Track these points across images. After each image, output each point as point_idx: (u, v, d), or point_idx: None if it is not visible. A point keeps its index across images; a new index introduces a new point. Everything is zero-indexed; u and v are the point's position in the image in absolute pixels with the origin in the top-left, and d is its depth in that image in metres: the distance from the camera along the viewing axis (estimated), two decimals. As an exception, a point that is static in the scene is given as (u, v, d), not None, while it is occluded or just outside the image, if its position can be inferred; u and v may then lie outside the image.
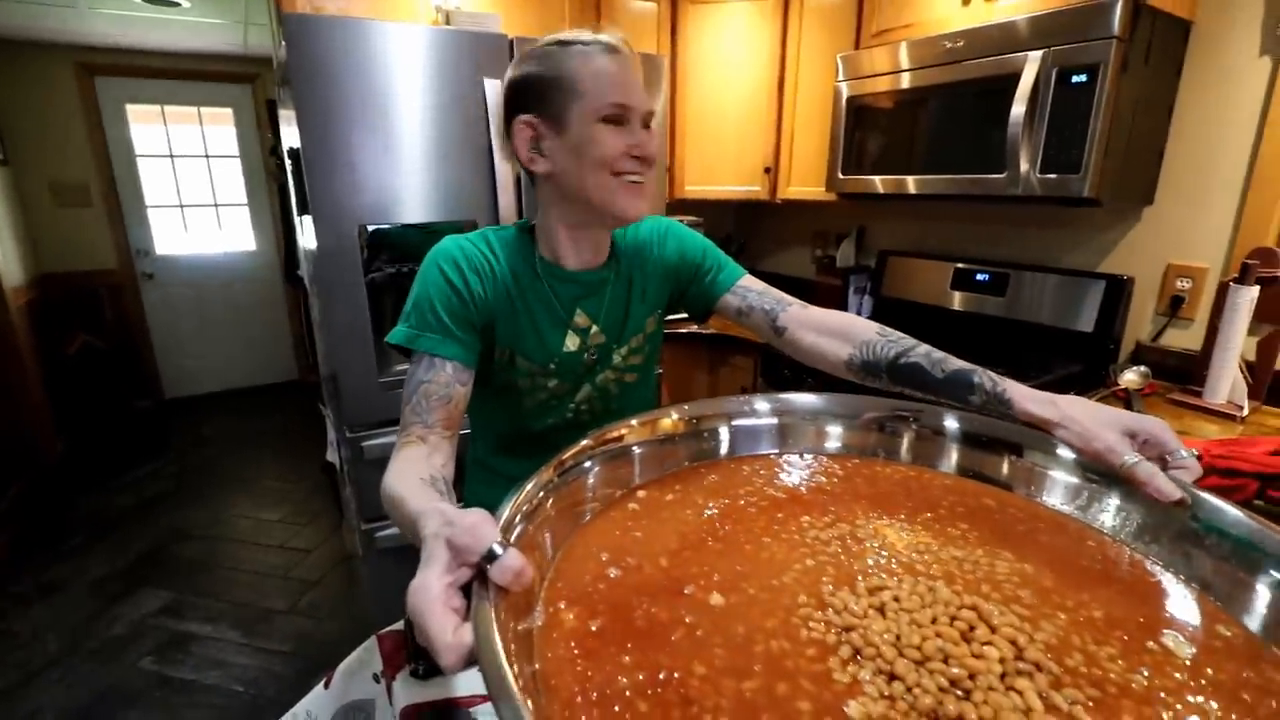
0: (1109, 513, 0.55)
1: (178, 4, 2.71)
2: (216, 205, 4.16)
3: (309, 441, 3.38)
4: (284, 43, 1.32)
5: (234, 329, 4.31)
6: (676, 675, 0.38)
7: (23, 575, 2.33)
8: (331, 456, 2.31)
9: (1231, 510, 0.50)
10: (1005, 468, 0.62)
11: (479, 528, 0.39)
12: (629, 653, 0.40)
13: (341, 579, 2.28)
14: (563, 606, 0.44)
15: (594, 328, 0.87)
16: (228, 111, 4.00)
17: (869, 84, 1.81)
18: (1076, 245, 1.77)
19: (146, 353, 4.07)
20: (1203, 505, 0.51)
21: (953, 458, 0.65)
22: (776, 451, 0.68)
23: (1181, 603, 0.46)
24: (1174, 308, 1.60)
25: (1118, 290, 1.63)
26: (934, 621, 0.41)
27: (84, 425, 3.55)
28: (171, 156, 3.97)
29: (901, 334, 0.78)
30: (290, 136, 1.45)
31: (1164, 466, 0.54)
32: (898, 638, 0.40)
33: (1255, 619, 0.44)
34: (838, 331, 0.82)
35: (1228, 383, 1.43)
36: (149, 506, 2.86)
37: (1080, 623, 0.43)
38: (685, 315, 1.00)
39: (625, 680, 0.38)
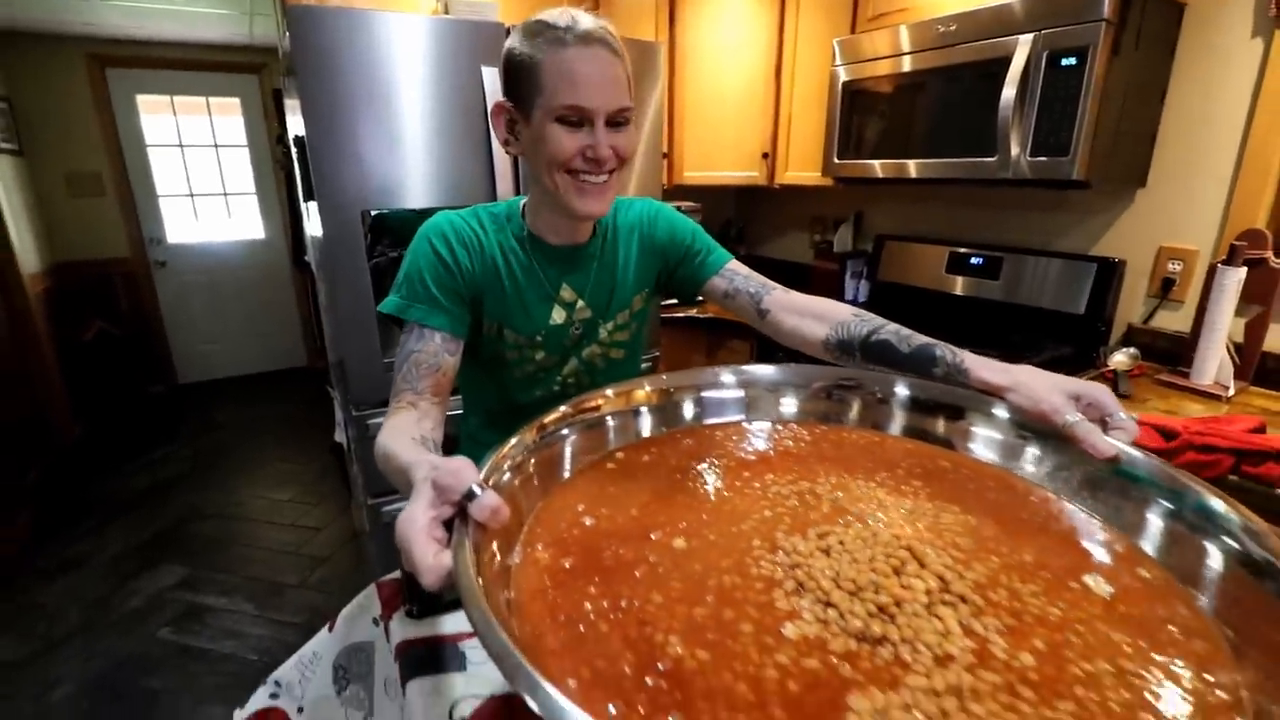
0: (1050, 470, 0.59)
1: (186, -6, 2.75)
2: (226, 194, 4.22)
3: (318, 425, 3.45)
4: (288, 34, 1.36)
5: (244, 316, 4.38)
6: (636, 604, 0.43)
7: (45, 552, 2.42)
8: (339, 437, 2.37)
9: (1156, 464, 0.53)
10: (958, 432, 0.66)
11: (462, 471, 0.43)
12: (595, 585, 0.45)
13: (350, 556, 2.35)
14: (539, 548, 0.49)
15: (580, 302, 0.89)
16: (235, 101, 4.05)
17: (864, 68, 1.83)
18: (1071, 228, 1.79)
19: (160, 339, 4.15)
20: (1133, 461, 0.55)
21: (901, 421, 0.69)
22: (748, 419, 0.72)
23: (1108, 549, 0.50)
24: (1165, 290, 1.62)
25: (1109, 273, 1.65)
26: (872, 560, 0.45)
27: (101, 409, 3.65)
28: (181, 146, 4.02)
29: (874, 315, 0.82)
30: (295, 125, 1.50)
31: (1105, 428, 0.58)
32: (838, 574, 0.44)
33: (1173, 561, 0.48)
34: (816, 314, 0.86)
35: (1214, 364, 1.45)
36: (165, 487, 2.94)
37: (1010, 565, 0.47)
38: (674, 299, 1.02)
39: (590, 606, 0.43)
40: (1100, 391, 0.60)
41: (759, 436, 0.68)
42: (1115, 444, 0.55)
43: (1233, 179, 1.48)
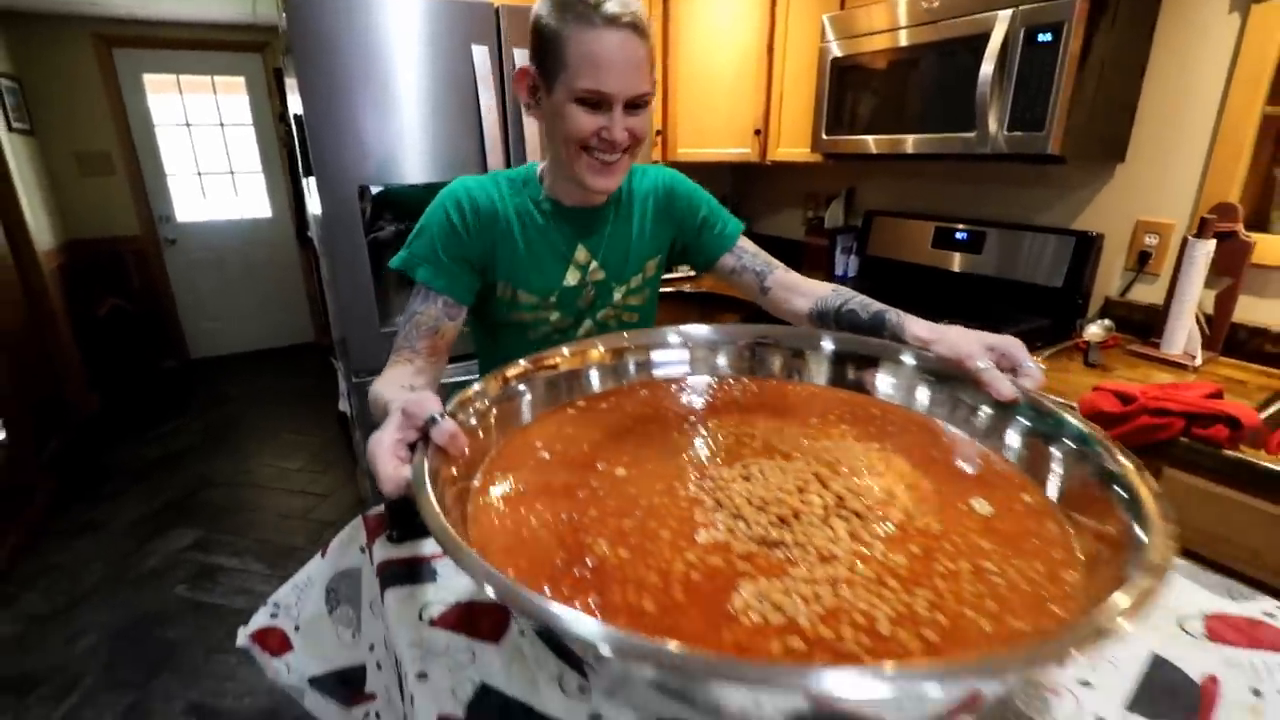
0: (966, 413, 0.65)
1: (189, -27, 2.79)
2: (232, 173, 4.28)
3: (324, 398, 3.55)
4: (284, 14, 1.41)
5: (252, 293, 4.47)
6: (575, 517, 0.50)
7: (67, 516, 2.54)
8: (343, 406, 2.46)
9: (1050, 406, 0.59)
10: (874, 378, 0.72)
11: (426, 401, 0.50)
12: (541, 503, 0.51)
13: (356, 522, 2.45)
14: (496, 475, 0.56)
15: (593, 263, 0.92)
16: (240, 80, 4.09)
17: (851, 44, 1.86)
18: (1053, 203, 1.83)
19: (171, 315, 4.25)
20: (1032, 404, 0.60)
21: (821, 372, 0.75)
22: (697, 372, 0.78)
23: (1001, 478, 0.56)
24: (1142, 263, 1.66)
25: (1086, 247, 1.68)
26: (782, 483, 0.51)
27: (116, 383, 3.76)
28: (188, 125, 4.08)
29: (851, 291, 0.90)
30: (295, 103, 1.55)
31: (1016, 376, 0.64)
32: (751, 494, 0.51)
33: (1054, 489, 0.54)
34: (803, 291, 0.94)
35: (1183, 334, 1.49)
36: (178, 457, 3.05)
37: (909, 489, 0.53)
38: (687, 268, 1.06)
39: (535, 520, 0.49)
40: (1012, 344, 0.65)
41: (709, 389, 0.75)
42: (1015, 388, 0.61)
43: (1208, 153, 1.51)
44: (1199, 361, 1.45)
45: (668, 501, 0.51)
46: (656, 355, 0.78)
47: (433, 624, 0.56)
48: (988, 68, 1.48)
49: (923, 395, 0.69)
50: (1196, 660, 0.53)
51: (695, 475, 0.55)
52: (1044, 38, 1.41)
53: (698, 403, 0.71)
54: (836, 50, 1.89)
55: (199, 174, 4.19)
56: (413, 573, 0.62)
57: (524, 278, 0.89)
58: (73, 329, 3.46)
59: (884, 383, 0.72)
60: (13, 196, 3.01)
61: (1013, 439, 0.60)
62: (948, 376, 0.67)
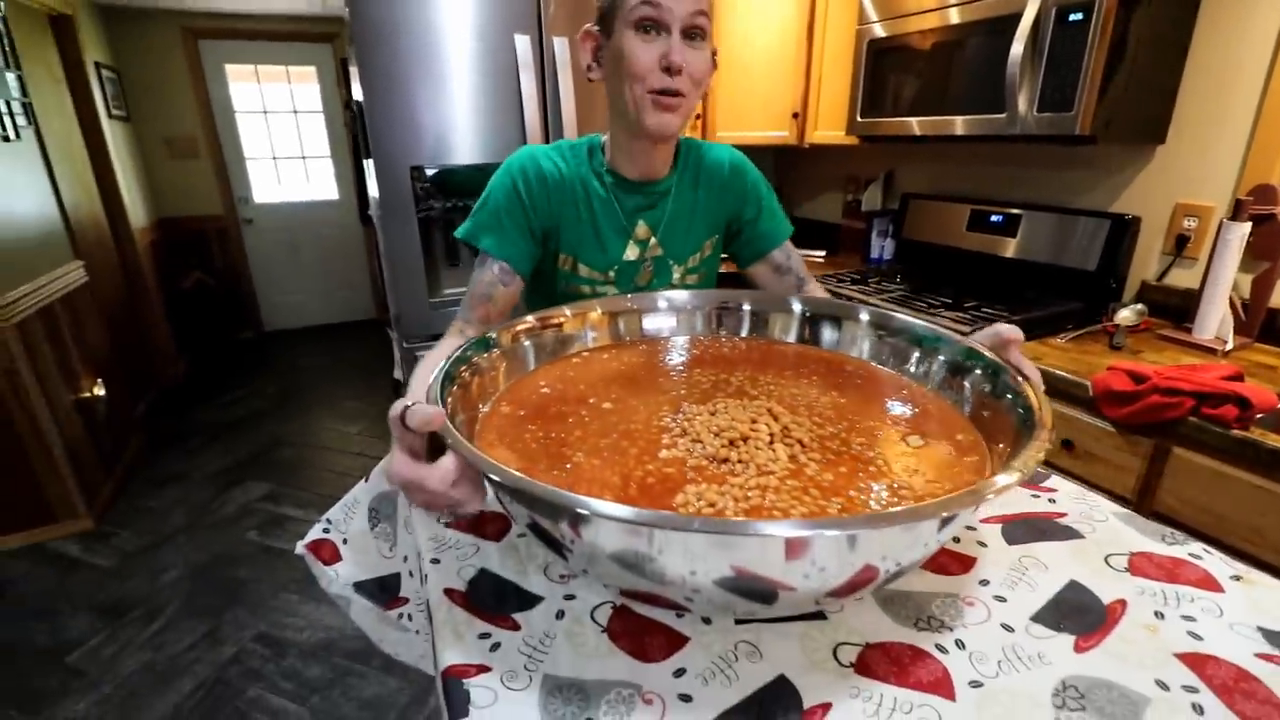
0: (918, 366, 0.72)
1: (266, -30, 3.01)
2: (304, 157, 4.56)
3: (383, 369, 3.79)
4: (347, 8, 1.55)
5: (321, 271, 4.77)
6: (561, 435, 0.60)
7: (155, 467, 2.83)
8: (397, 374, 2.64)
9: (992, 359, 0.65)
10: (871, 347, 0.79)
11: (395, 406, 0.54)
12: (536, 425, 0.62)
13: (407, 482, 2.65)
14: (503, 405, 0.66)
15: (653, 239, 0.92)
16: (311, 70, 4.35)
17: (889, 26, 1.87)
18: (1090, 186, 1.81)
19: (248, 290, 4.59)
20: (990, 362, 0.66)
21: (808, 331, 0.82)
22: (690, 331, 0.87)
23: (942, 422, 0.63)
24: (1179, 247, 1.63)
25: (1121, 230, 1.67)
26: (740, 416, 0.60)
27: (199, 351, 4.11)
28: (265, 112, 4.37)
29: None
30: (357, 91, 1.70)
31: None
32: (711, 424, 0.59)
33: (985, 430, 0.61)
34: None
35: (1216, 318, 1.47)
36: (252, 419, 3.33)
37: (854, 427, 0.61)
38: (732, 258, 1.05)
39: (528, 436, 0.60)
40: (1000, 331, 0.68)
41: (704, 344, 0.83)
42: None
43: (1251, 135, 1.48)
44: (1230, 346, 1.43)
45: (641, 427, 0.61)
46: (657, 316, 0.86)
47: (447, 525, 0.68)
48: (1018, 48, 1.48)
49: (885, 351, 0.76)
50: (1111, 588, 0.58)
51: (670, 409, 0.64)
52: (1074, 17, 1.40)
53: (688, 356, 0.80)
54: (875, 31, 1.91)
55: (274, 158, 4.48)
56: (436, 489, 0.73)
57: (586, 249, 0.90)
58: (163, 300, 3.80)
59: (855, 342, 0.79)
60: (112, 179, 3.32)
61: (965, 390, 0.67)
62: (911, 337, 0.74)
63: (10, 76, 2.29)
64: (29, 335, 2.15)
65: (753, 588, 0.43)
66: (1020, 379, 0.59)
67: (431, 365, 0.71)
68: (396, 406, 0.53)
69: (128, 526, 2.39)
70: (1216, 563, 0.62)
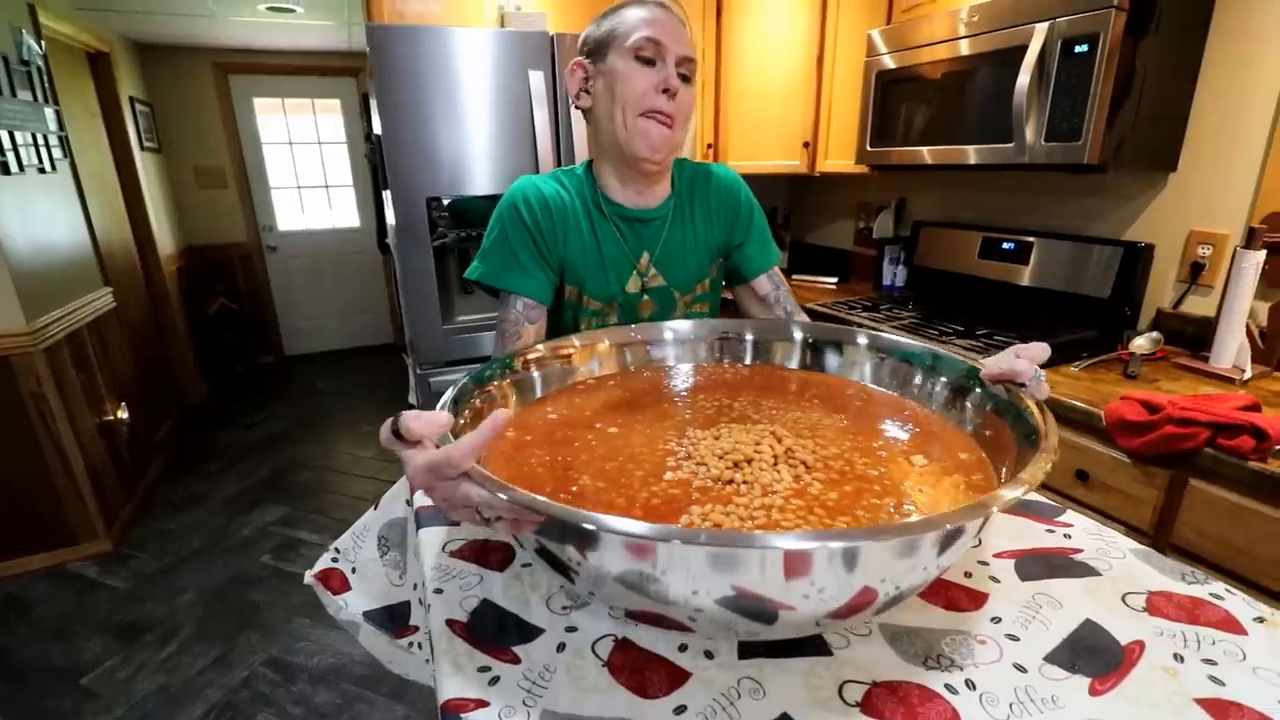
0: (922, 389, 0.72)
1: (293, 10, 3.13)
2: (327, 186, 4.68)
3: (400, 394, 3.83)
4: (369, 45, 1.61)
5: (341, 297, 4.86)
6: (567, 459, 0.60)
7: (175, 489, 2.87)
8: (411, 399, 2.67)
9: (996, 388, 0.65)
10: (873, 370, 0.79)
11: (384, 428, 0.51)
12: (543, 449, 0.62)
13: (420, 507, 2.66)
14: (510, 431, 0.67)
15: (652, 269, 0.92)
16: (336, 102, 4.49)
17: (896, 58, 1.90)
18: (1103, 214, 1.80)
19: (270, 315, 4.68)
20: (992, 388, 0.66)
21: (810, 358, 0.83)
22: (695, 359, 0.88)
23: (945, 442, 0.63)
24: (1194, 275, 1.62)
25: (1134, 258, 1.66)
26: (743, 440, 0.60)
27: (221, 375, 4.18)
28: (290, 144, 4.51)
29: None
30: (377, 124, 1.75)
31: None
32: (715, 447, 0.60)
33: (989, 449, 0.60)
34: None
35: (1233, 347, 1.45)
36: (271, 442, 3.37)
37: (858, 448, 0.61)
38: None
39: (535, 461, 0.61)
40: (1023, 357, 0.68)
41: (706, 371, 0.84)
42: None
43: (1263, 161, 1.47)
44: (1248, 375, 1.41)
45: (647, 451, 0.61)
46: (663, 346, 0.87)
47: (452, 555, 0.68)
48: (1024, 79, 1.50)
49: (885, 374, 0.76)
50: (1128, 628, 0.57)
51: (675, 434, 0.65)
52: (1080, 49, 1.42)
53: (692, 382, 0.81)
54: (882, 63, 1.94)
55: (298, 187, 4.61)
56: (441, 517, 0.74)
57: (591, 279, 0.90)
58: (187, 325, 3.89)
59: (856, 367, 0.79)
60: (142, 209, 3.43)
61: (967, 410, 0.67)
62: (908, 358, 0.74)
63: (49, 111, 2.39)
64: (56, 360, 2.21)
65: (753, 607, 0.43)
66: (1021, 392, 0.58)
67: None
68: (385, 426, 0.50)
69: (145, 549, 2.42)
70: (1239, 603, 0.60)
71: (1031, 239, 1.89)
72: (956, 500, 0.53)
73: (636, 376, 0.83)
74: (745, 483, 0.54)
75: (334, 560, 0.92)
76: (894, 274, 2.36)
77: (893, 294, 2.31)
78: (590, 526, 0.40)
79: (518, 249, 0.86)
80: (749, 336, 0.87)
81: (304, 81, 4.35)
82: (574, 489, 0.55)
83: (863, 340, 0.79)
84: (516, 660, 0.52)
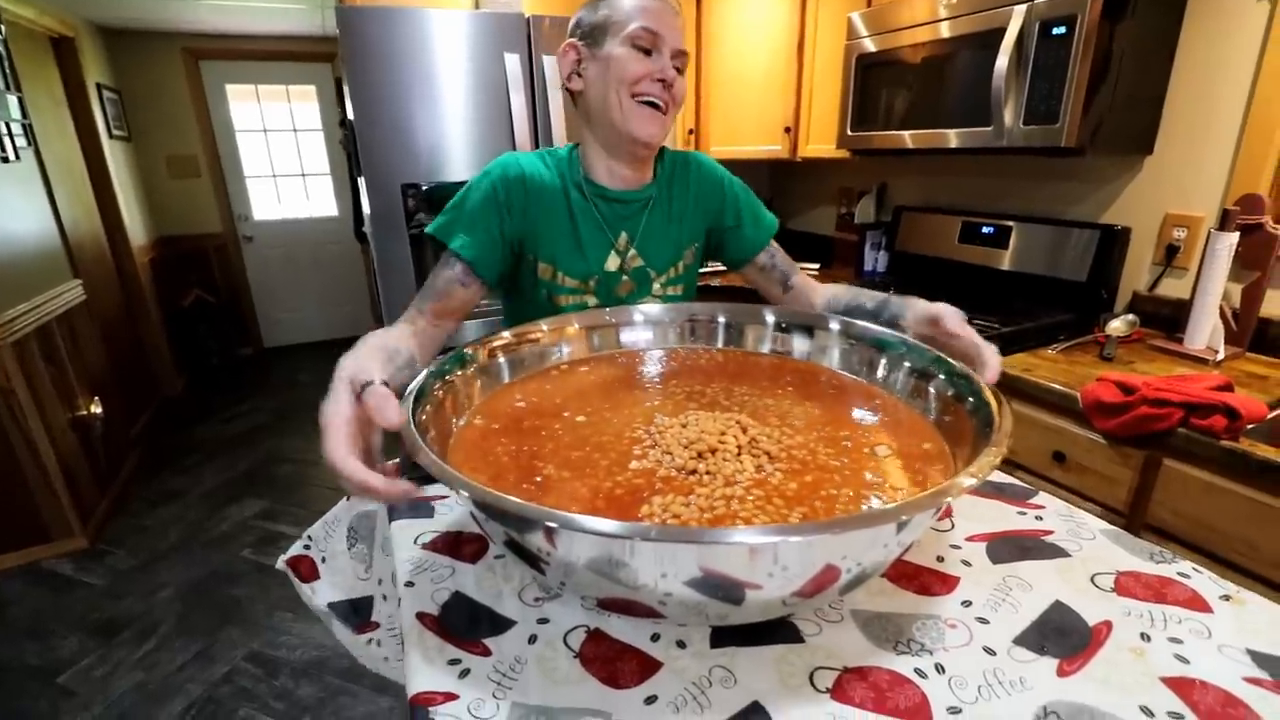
0: (886, 373, 0.71)
1: (266, -8, 3.05)
2: (304, 175, 4.60)
3: (382, 386, 3.78)
4: (338, 28, 1.57)
5: (319, 288, 4.79)
6: (534, 449, 0.59)
7: (151, 484, 2.82)
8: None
9: (963, 370, 0.64)
10: (843, 356, 0.79)
11: (344, 365, 0.54)
12: (509, 439, 0.61)
13: (403, 499, 2.64)
14: (477, 419, 0.66)
15: (632, 250, 0.93)
16: (311, 89, 4.39)
17: (877, 41, 1.89)
18: (1080, 197, 1.81)
19: (248, 307, 4.60)
20: (956, 371, 0.66)
21: (780, 341, 0.82)
22: (666, 344, 0.87)
23: (910, 430, 0.63)
24: (1170, 257, 1.63)
25: (1111, 241, 1.67)
26: (709, 429, 0.59)
27: (198, 368, 4.11)
28: (265, 131, 4.41)
29: (857, 289, 0.95)
30: (349, 109, 1.71)
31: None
32: (681, 436, 0.59)
33: (950, 436, 0.60)
34: (818, 290, 1.01)
35: (1207, 329, 1.47)
36: (250, 435, 3.32)
37: (823, 437, 0.61)
38: (715, 263, 1.07)
39: (500, 450, 0.59)
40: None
41: (680, 357, 0.83)
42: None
43: (1236, 144, 1.48)
44: (1221, 356, 1.42)
45: (613, 440, 0.60)
46: (635, 330, 0.86)
47: (424, 547, 0.67)
48: (1003, 62, 1.49)
49: (855, 359, 0.76)
50: (1097, 608, 0.57)
51: (643, 422, 0.64)
52: (1058, 31, 1.41)
53: (664, 368, 0.80)
54: (863, 46, 1.92)
55: (274, 176, 4.52)
56: (414, 508, 0.73)
57: (566, 257, 0.90)
58: (162, 317, 3.81)
59: (827, 352, 0.79)
60: (112, 198, 3.35)
61: (931, 395, 0.66)
62: (879, 345, 0.74)
63: (11, 99, 2.31)
64: (25, 354, 2.15)
65: (720, 587, 0.43)
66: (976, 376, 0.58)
67: (377, 345, 0.65)
68: (346, 366, 0.52)
69: (123, 545, 2.38)
70: (1205, 582, 0.61)
71: (1011, 223, 1.89)
72: (911, 491, 0.52)
73: (608, 361, 0.82)
74: (709, 473, 0.53)
75: (306, 548, 0.91)
76: (875, 259, 2.36)
77: (874, 279, 2.31)
78: (552, 525, 0.39)
79: (477, 217, 0.85)
80: (721, 319, 0.86)
81: (278, 67, 4.25)
82: (538, 479, 0.54)
83: (834, 325, 0.78)
84: (487, 653, 0.52)
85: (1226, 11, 1.46)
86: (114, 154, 3.47)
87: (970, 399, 0.59)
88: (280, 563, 0.88)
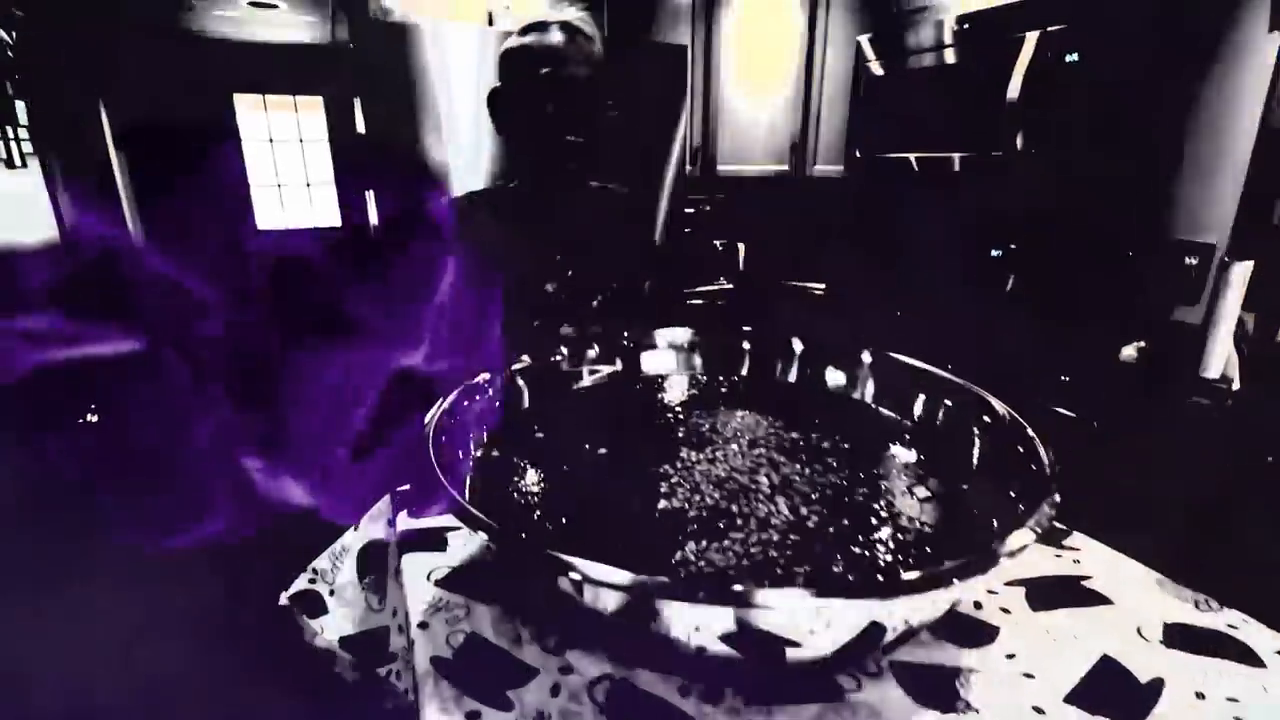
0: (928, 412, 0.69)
1: (276, 6, 3.06)
2: (309, 185, 4.58)
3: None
4: (351, 44, 1.56)
5: (321, 298, 4.76)
6: (557, 485, 0.57)
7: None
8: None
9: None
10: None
11: None
12: (531, 472, 0.59)
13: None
14: (493, 450, 0.63)
15: None
16: (318, 100, 4.39)
17: (886, 65, 1.89)
18: (1090, 222, 1.79)
19: (247, 317, 4.56)
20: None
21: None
22: (688, 372, 0.85)
23: (951, 471, 0.60)
24: (1182, 285, 1.62)
25: (1122, 268, 1.66)
26: (739, 466, 0.57)
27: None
28: (271, 141, 4.40)
29: None
30: (361, 123, 1.71)
31: None
32: (710, 474, 0.56)
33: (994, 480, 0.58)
34: None
35: (1222, 358, 1.45)
36: (246, 448, 3.28)
37: (859, 477, 0.58)
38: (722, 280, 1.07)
39: (524, 485, 0.57)
40: None
41: (699, 385, 0.81)
42: None
43: (1248, 171, 1.47)
44: (1236, 385, 1.41)
45: (638, 476, 0.58)
46: (657, 355, 0.84)
47: (438, 584, 0.64)
48: (1015, 87, 1.49)
49: (889, 396, 0.74)
50: (1146, 663, 0.54)
51: (666, 456, 0.61)
52: (1070, 58, 1.41)
53: (685, 395, 0.78)
54: (868, 71, 1.93)
55: (279, 186, 4.51)
56: (425, 540, 0.70)
57: None
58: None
59: (860, 385, 0.77)
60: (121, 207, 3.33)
61: (975, 435, 0.64)
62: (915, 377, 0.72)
63: (20, 105, 2.31)
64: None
65: (757, 643, 0.40)
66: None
67: None
68: None
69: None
70: (1255, 634, 0.58)
71: (1019, 249, 1.88)
72: (958, 536, 0.50)
73: (628, 390, 0.79)
74: (741, 515, 0.51)
75: (311, 581, 0.88)
76: (883, 281, 2.34)
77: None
78: (577, 575, 0.37)
79: None
80: (746, 346, 0.84)
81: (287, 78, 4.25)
82: (563, 521, 0.51)
83: (867, 358, 0.76)
84: (508, 706, 0.49)
85: (1236, 44, 1.45)
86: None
87: (1016, 442, 0.57)
88: (284, 599, 0.84)
